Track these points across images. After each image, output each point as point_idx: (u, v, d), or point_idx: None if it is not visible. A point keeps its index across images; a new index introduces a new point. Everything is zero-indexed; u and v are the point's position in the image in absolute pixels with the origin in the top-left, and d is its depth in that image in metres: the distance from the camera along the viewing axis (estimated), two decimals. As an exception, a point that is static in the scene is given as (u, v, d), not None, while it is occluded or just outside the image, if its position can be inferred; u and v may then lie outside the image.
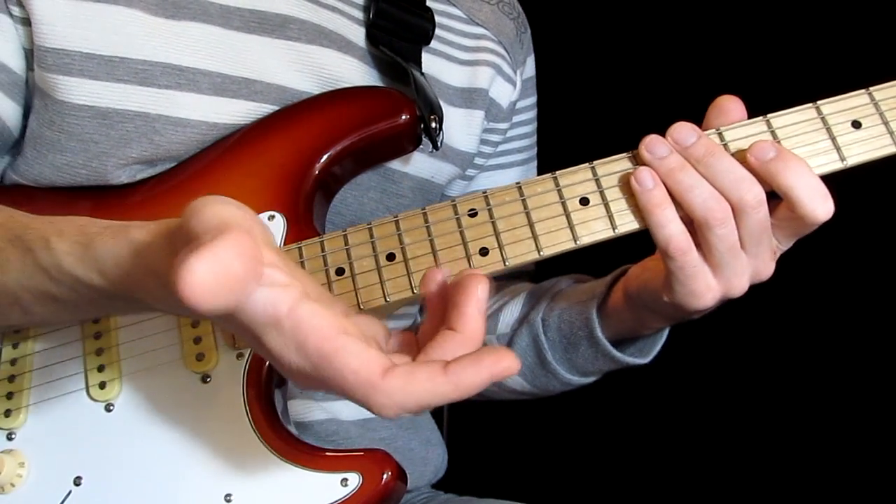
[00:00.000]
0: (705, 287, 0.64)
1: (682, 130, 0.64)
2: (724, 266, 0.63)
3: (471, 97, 0.87)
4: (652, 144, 0.64)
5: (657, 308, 0.70)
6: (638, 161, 0.65)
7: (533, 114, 0.99)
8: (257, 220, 0.47)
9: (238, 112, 0.74)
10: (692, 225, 0.63)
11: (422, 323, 0.55)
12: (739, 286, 0.65)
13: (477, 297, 0.49)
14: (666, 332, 0.79)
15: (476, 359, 0.46)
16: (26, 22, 0.69)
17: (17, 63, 0.71)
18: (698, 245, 0.63)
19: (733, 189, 0.62)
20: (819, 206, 0.61)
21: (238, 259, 0.42)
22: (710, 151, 0.63)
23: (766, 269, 0.65)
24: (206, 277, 0.40)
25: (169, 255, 0.50)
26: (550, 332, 0.82)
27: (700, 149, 0.63)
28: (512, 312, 0.87)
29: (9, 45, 0.70)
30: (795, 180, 0.61)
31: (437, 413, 1.18)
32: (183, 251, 0.41)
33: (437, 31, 0.85)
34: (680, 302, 0.65)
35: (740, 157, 0.63)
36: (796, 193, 0.61)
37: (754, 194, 0.62)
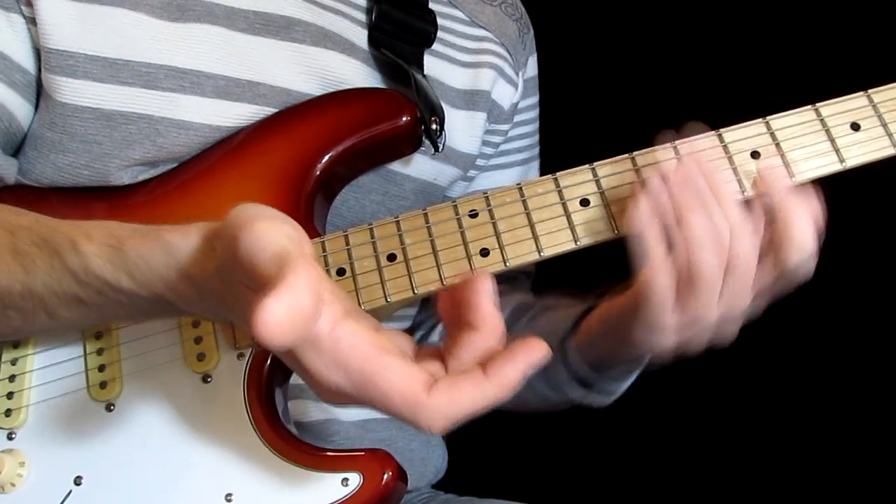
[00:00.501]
0: (669, 322, 0.64)
1: (690, 169, 0.63)
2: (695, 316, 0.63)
3: (473, 99, 0.87)
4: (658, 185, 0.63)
5: (613, 344, 0.73)
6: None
7: (534, 113, 0.99)
8: (304, 234, 0.47)
9: (241, 115, 0.74)
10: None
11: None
12: (698, 340, 0.66)
13: (487, 291, 0.50)
14: (632, 378, 0.81)
15: (510, 355, 0.47)
16: (34, 22, 0.69)
17: (30, 63, 0.71)
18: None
19: (724, 232, 0.61)
20: (807, 244, 0.61)
21: (309, 295, 0.42)
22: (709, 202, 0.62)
23: (731, 329, 0.67)
24: (284, 317, 0.40)
25: (207, 260, 0.50)
26: None
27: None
28: None
29: (23, 45, 0.70)
30: (797, 218, 0.61)
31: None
32: (267, 292, 0.41)
33: (439, 34, 0.85)
34: (643, 323, 0.65)
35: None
36: (792, 231, 0.61)
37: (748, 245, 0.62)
